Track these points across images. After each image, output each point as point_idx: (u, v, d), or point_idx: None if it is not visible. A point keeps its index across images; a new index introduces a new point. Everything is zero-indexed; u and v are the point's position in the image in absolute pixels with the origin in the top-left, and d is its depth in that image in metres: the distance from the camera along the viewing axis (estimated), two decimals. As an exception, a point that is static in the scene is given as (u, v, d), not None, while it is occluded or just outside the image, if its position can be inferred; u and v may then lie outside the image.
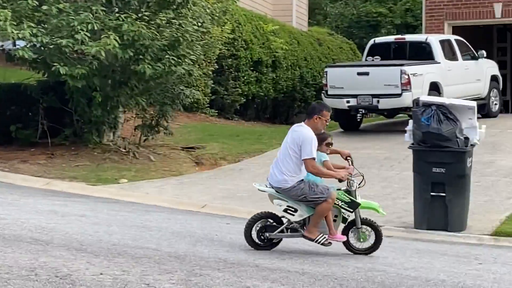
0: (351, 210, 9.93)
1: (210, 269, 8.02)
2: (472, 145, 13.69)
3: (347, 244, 10.10)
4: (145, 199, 15.54)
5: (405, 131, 14.18)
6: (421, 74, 22.27)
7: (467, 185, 13.72)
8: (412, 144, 13.70)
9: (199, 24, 19.13)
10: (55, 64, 16.68)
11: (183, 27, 17.99)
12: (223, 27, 23.47)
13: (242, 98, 27.14)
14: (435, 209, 13.42)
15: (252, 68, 27.40)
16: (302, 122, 10.18)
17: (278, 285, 7.54)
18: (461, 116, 13.55)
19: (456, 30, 28.45)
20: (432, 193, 13.39)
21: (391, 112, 24.16)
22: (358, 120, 24.00)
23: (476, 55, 25.60)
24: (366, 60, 24.75)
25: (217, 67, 25.67)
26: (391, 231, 13.45)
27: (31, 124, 19.43)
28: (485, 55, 25.71)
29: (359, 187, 10.09)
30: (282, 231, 10.00)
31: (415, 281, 8.50)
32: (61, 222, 11.31)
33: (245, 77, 27.08)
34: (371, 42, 25.47)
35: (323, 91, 23.24)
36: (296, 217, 9.91)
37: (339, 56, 34.91)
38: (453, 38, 25.45)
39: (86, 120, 19.05)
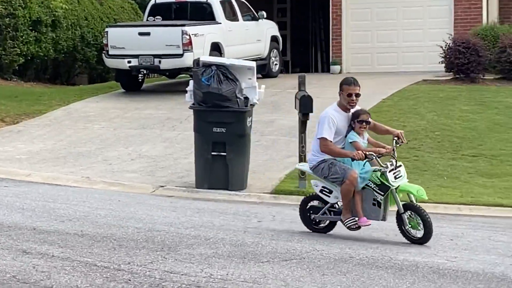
0: (382, 194, 9.45)
1: (-15, 234, 7.79)
2: (252, 105, 14.01)
3: (404, 232, 9.62)
4: None
5: (186, 92, 14.30)
6: (202, 34, 22.40)
7: (247, 144, 14.10)
8: (193, 104, 13.82)
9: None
10: None
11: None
12: (-3, -15, 22.64)
13: (21, 58, 26.32)
14: (216, 169, 13.67)
15: (31, 28, 26.59)
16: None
17: (56, 247, 7.43)
18: (240, 76, 13.83)
19: (237, -9, 28.82)
20: (212, 153, 13.63)
21: (173, 73, 24.26)
22: (140, 80, 23.89)
23: (257, 16, 26.04)
24: (147, 20, 24.68)
25: (-7, 26, 24.73)
26: (172, 191, 13.66)
27: None
28: (265, 16, 26.27)
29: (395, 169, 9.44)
30: (324, 213, 9.84)
31: (194, 239, 8.62)
32: None
33: (24, 37, 26.26)
34: (152, 2, 25.27)
35: (104, 51, 22.97)
36: (332, 199, 9.77)
37: (121, 16, 34.44)
38: (233, -1, 25.79)
39: None
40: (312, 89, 16.52)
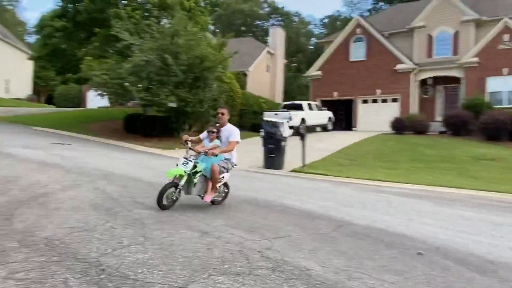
0: None
1: None
2: (285, 137, 25.21)
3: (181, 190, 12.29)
4: None
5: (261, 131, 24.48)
6: (295, 114, 38.67)
7: (283, 152, 25.27)
8: (262, 136, 24.87)
9: None
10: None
11: None
12: None
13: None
14: (270, 159, 25.09)
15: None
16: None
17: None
18: (279, 124, 25.16)
19: None
20: (269, 154, 25.21)
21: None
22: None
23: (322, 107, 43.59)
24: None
25: None
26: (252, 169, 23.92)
27: None
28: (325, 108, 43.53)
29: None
30: None
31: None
32: None
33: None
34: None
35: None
36: None
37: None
38: None
39: None
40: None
